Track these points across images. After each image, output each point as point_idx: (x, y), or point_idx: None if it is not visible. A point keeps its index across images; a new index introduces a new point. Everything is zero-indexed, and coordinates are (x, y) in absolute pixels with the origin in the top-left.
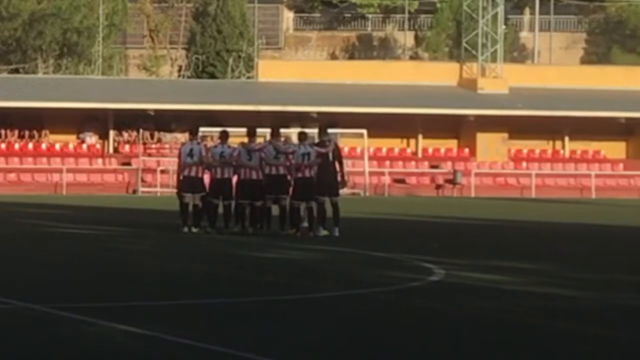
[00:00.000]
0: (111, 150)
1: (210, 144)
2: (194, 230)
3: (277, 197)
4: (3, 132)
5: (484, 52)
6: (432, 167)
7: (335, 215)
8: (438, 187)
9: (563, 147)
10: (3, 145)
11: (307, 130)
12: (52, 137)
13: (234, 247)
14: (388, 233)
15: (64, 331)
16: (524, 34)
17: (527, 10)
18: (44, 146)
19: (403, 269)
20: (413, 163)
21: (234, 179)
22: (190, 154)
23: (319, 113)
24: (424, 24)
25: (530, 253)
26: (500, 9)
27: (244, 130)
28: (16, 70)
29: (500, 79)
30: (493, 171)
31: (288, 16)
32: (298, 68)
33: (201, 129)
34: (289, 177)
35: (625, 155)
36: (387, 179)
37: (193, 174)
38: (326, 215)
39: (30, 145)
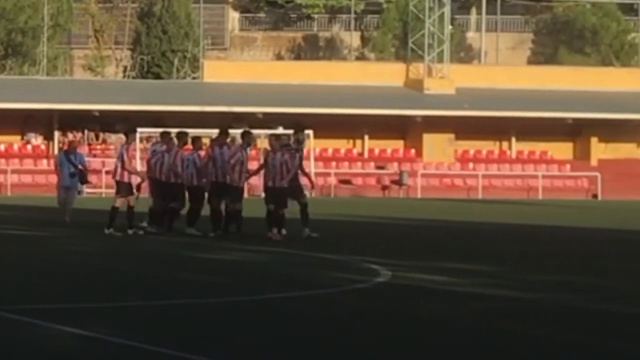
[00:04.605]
0: (56, 151)
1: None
2: (130, 232)
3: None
4: None
5: (430, 52)
6: (379, 167)
7: (303, 216)
8: (384, 188)
9: (510, 147)
10: None
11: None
12: None
13: (181, 249)
14: (334, 234)
15: (7, 333)
16: (471, 34)
17: (473, 11)
18: None
19: (349, 270)
20: (359, 164)
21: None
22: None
23: (264, 114)
24: (370, 24)
25: (477, 254)
26: (447, 9)
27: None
28: None
29: (446, 80)
30: (439, 172)
31: (233, 16)
32: (244, 68)
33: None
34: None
35: (572, 156)
36: (333, 180)
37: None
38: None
39: None
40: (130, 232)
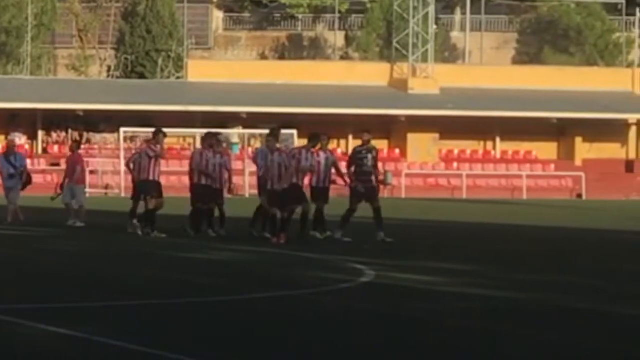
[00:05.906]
0: (40, 150)
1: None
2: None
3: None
4: None
5: (414, 52)
6: None
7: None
8: None
9: (494, 147)
10: None
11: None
12: None
13: (167, 249)
14: None
15: None
16: (455, 34)
17: (458, 10)
18: None
19: (334, 270)
20: (343, 164)
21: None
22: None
23: (248, 113)
24: (354, 24)
25: (461, 254)
26: (431, 9)
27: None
28: None
29: (431, 79)
30: (424, 172)
31: (218, 16)
32: (228, 68)
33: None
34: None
35: (556, 156)
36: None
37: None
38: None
39: None
40: (140, 233)
